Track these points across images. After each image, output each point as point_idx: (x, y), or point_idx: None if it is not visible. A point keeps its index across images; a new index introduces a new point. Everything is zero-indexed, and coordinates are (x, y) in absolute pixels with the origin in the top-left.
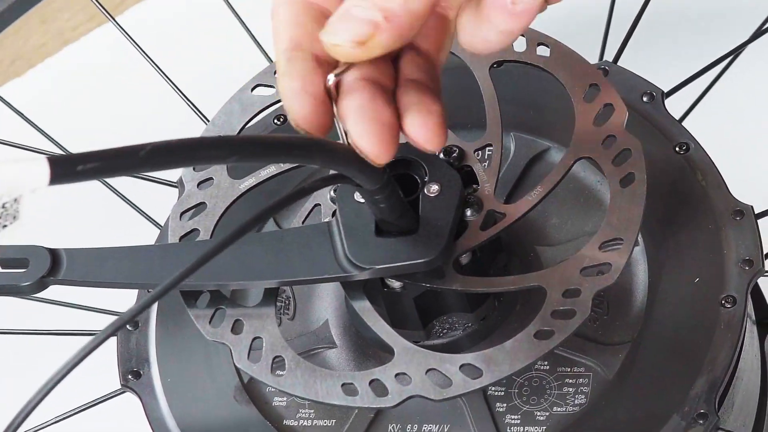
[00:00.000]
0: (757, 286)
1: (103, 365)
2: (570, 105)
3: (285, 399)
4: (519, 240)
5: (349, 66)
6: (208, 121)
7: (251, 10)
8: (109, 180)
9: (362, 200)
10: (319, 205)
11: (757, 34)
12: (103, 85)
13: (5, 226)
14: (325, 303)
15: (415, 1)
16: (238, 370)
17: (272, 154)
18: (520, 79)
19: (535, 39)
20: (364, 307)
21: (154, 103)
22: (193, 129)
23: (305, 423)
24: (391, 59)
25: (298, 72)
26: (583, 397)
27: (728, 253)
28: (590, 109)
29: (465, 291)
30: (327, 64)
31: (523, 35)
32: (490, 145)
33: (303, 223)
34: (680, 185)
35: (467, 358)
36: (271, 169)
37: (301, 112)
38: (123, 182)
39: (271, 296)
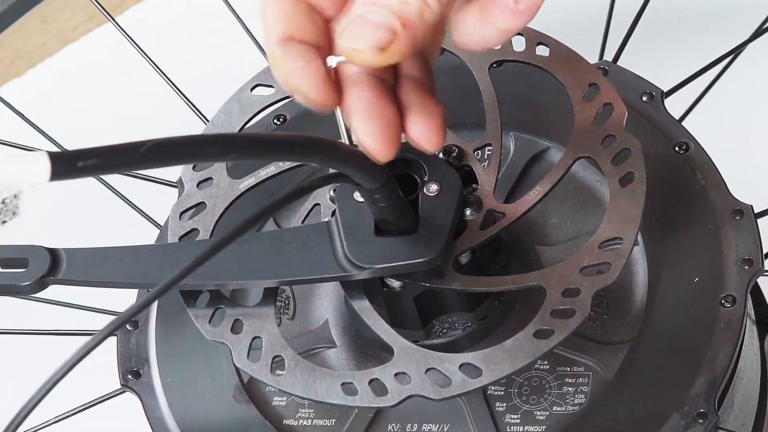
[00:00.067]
0: (756, 285)
1: (102, 365)
2: (569, 104)
3: (285, 398)
4: (519, 240)
5: None
6: (208, 121)
7: (251, 10)
8: (108, 180)
9: (362, 200)
10: (319, 204)
11: (757, 34)
12: (103, 85)
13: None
14: (325, 303)
15: (429, 11)
16: (237, 369)
17: (272, 152)
18: (519, 78)
19: (535, 39)
20: (363, 307)
21: (154, 103)
22: (192, 129)
23: (305, 422)
24: None
25: (298, 54)
26: (582, 396)
27: (728, 253)
28: (589, 109)
29: (465, 290)
30: (322, 51)
31: (522, 35)
32: (490, 144)
33: (302, 222)
34: (680, 185)
35: (467, 357)
36: (271, 169)
37: (310, 86)
38: (123, 182)
39: (270, 296)
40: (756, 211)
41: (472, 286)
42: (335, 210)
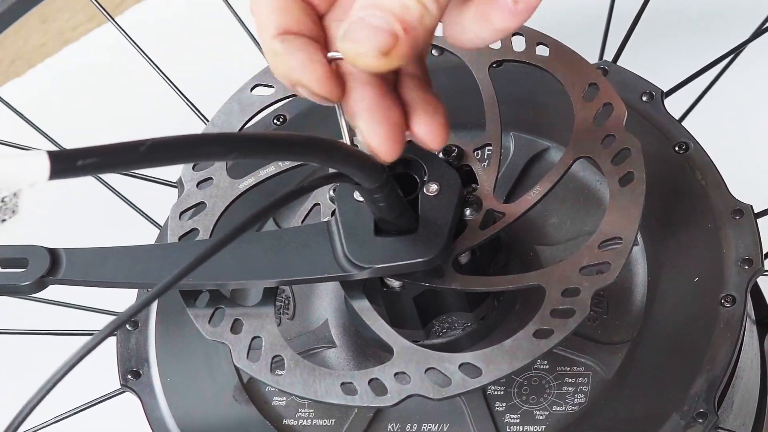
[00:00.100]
0: (756, 285)
1: (102, 365)
2: (569, 104)
3: (284, 398)
4: (518, 239)
5: None
6: (208, 121)
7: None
8: (108, 180)
9: (361, 199)
10: (319, 204)
11: (757, 34)
12: (103, 85)
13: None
14: (325, 303)
15: (429, 16)
16: (237, 369)
17: (271, 152)
18: (519, 78)
19: (535, 38)
20: (363, 307)
21: (154, 103)
22: (192, 129)
23: (305, 422)
24: None
25: (299, 47)
26: (582, 396)
27: (728, 253)
28: (589, 109)
29: (464, 290)
30: (321, 45)
31: (522, 34)
32: (490, 144)
33: (302, 222)
34: (680, 185)
35: (466, 357)
36: (271, 169)
37: (314, 79)
38: (122, 182)
39: (270, 296)
40: (756, 211)
41: (471, 286)
42: (335, 210)
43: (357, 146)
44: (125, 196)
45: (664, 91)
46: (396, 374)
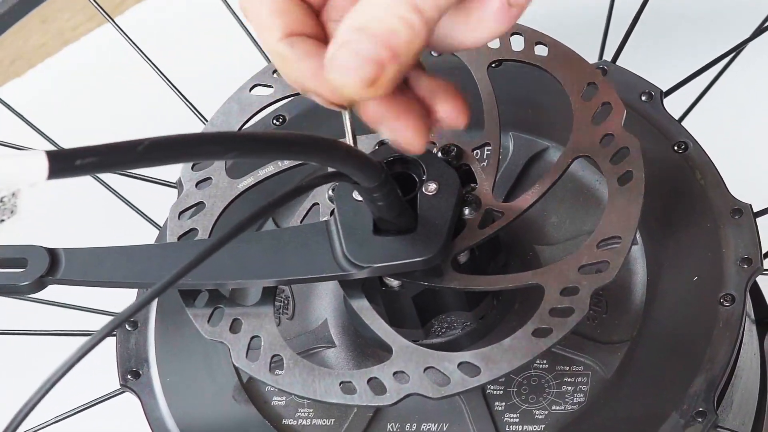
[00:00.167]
0: (756, 285)
1: (102, 365)
2: (568, 104)
3: (284, 398)
4: (518, 239)
5: None
6: (207, 121)
7: None
8: (107, 180)
9: (360, 199)
10: (318, 204)
11: (757, 34)
12: (103, 85)
13: (3, 220)
14: (324, 302)
15: (417, 39)
16: (237, 369)
17: (270, 151)
18: (518, 78)
19: (534, 38)
20: (362, 306)
21: (154, 104)
22: (192, 129)
23: (304, 422)
24: None
25: (308, 52)
26: (582, 395)
27: (727, 252)
28: (588, 108)
29: (463, 289)
30: (326, 43)
31: (521, 34)
32: (488, 144)
33: (301, 222)
34: (679, 184)
35: (465, 356)
36: (270, 169)
37: (329, 87)
38: (122, 183)
39: (269, 295)
40: (755, 210)
41: (470, 285)
42: (334, 209)
43: (358, 146)
44: (124, 196)
45: (663, 90)
46: (395, 373)
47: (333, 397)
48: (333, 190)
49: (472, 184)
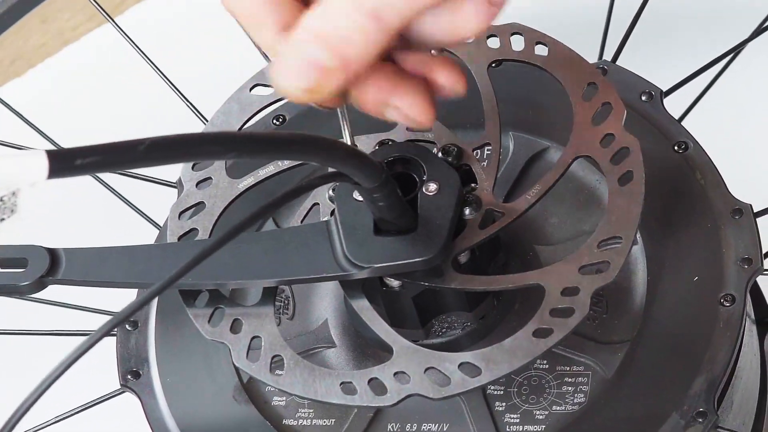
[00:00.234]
0: (756, 285)
1: (102, 365)
2: (568, 104)
3: (284, 398)
4: (518, 239)
5: None
6: (207, 120)
7: None
8: (107, 180)
9: (361, 199)
10: (318, 204)
11: (757, 33)
12: (103, 85)
13: (3, 219)
14: (325, 302)
15: (371, 50)
16: (237, 369)
17: (271, 151)
18: (518, 78)
19: (534, 38)
20: (363, 306)
21: (154, 104)
22: (192, 129)
23: (304, 422)
24: None
25: None
26: (582, 396)
27: (727, 252)
28: (588, 108)
29: (464, 290)
30: None
31: (521, 34)
32: (489, 144)
33: (302, 222)
34: (679, 184)
35: (466, 356)
36: (270, 169)
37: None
38: (122, 183)
39: (269, 295)
40: (755, 211)
41: (471, 286)
42: (334, 209)
43: (357, 146)
44: (124, 196)
45: (664, 90)
46: (395, 374)
47: (334, 397)
48: (333, 190)
49: (473, 184)
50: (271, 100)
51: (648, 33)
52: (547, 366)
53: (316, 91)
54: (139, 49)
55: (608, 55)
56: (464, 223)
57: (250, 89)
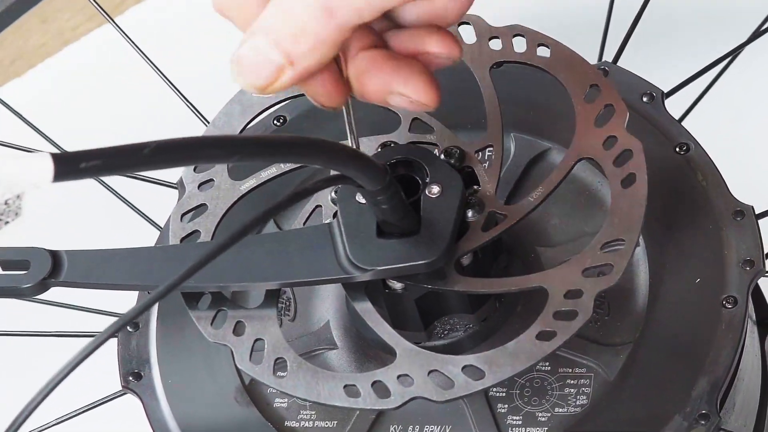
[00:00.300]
0: (757, 286)
1: (103, 367)
2: (570, 105)
3: (286, 400)
4: (520, 241)
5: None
6: (207, 120)
7: None
8: (108, 181)
9: (363, 201)
10: (320, 206)
11: (757, 35)
12: (103, 85)
13: (7, 222)
14: (326, 304)
15: (323, 48)
16: (238, 371)
17: (275, 154)
18: (519, 79)
19: (536, 40)
20: (365, 309)
21: (154, 104)
22: (193, 129)
23: (306, 424)
24: None
25: None
26: (584, 397)
27: (729, 254)
28: (591, 110)
29: (467, 292)
30: None
31: (523, 36)
32: (491, 145)
33: (304, 224)
34: (681, 185)
35: (469, 359)
36: (272, 171)
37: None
38: (122, 183)
39: (272, 298)
40: (757, 212)
41: (474, 288)
42: (337, 211)
43: (360, 149)
44: (125, 197)
45: (665, 91)
46: (399, 376)
47: (337, 400)
48: (336, 192)
49: (475, 186)
50: (273, 102)
51: (648, 33)
52: (549, 368)
53: (270, 88)
54: (139, 49)
55: (608, 56)
56: (467, 226)
57: None
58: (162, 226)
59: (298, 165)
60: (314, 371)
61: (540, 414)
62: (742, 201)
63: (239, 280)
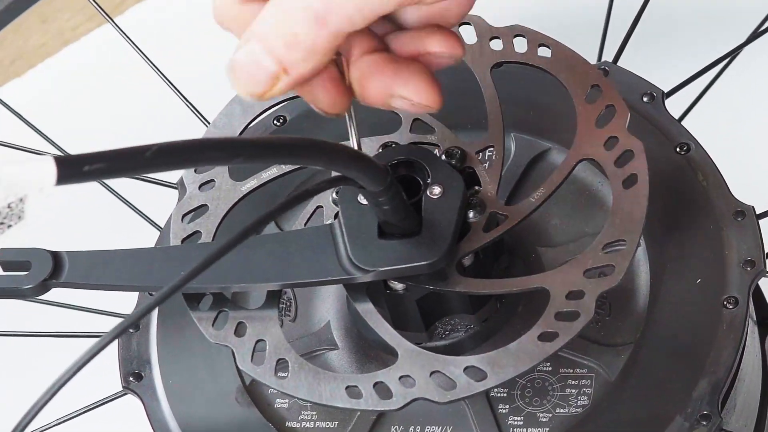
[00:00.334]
0: (757, 286)
1: (104, 367)
2: (570, 105)
3: (287, 401)
4: (520, 241)
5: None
6: (207, 121)
7: None
8: (108, 180)
9: (365, 202)
10: (321, 207)
11: (758, 35)
12: (103, 85)
13: (10, 226)
14: (327, 304)
15: (316, 56)
16: (239, 371)
17: (277, 156)
18: (518, 78)
19: (537, 40)
20: (367, 309)
21: (154, 104)
22: (193, 129)
23: (307, 425)
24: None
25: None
26: (585, 398)
27: (730, 254)
28: (592, 111)
29: (468, 293)
30: None
31: (524, 36)
32: (492, 146)
33: (305, 224)
34: (681, 186)
35: (471, 360)
36: (273, 171)
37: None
38: (122, 183)
39: (273, 299)
40: (758, 212)
41: (476, 289)
42: (338, 212)
43: (362, 150)
44: (124, 196)
45: (665, 91)
46: (401, 377)
47: (339, 401)
48: (337, 192)
49: (476, 187)
50: (274, 102)
51: (648, 33)
52: (550, 368)
53: (267, 94)
54: (139, 49)
55: (607, 55)
56: (468, 226)
57: None
58: (162, 226)
59: (299, 166)
60: (316, 372)
61: (541, 414)
62: (743, 201)
63: (241, 281)
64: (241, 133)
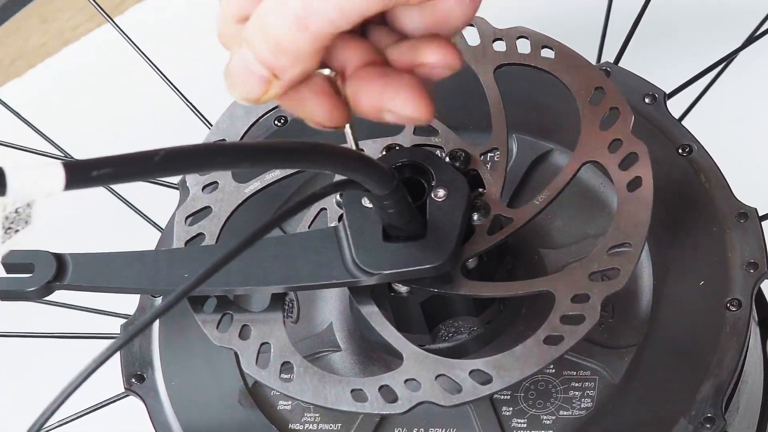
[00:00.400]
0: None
1: (106, 368)
2: (572, 106)
3: (290, 403)
4: (524, 243)
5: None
6: (207, 121)
7: None
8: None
9: (369, 205)
10: (325, 209)
11: (758, 35)
12: (103, 85)
13: (18, 230)
14: (330, 306)
15: (303, 61)
16: (242, 373)
17: (283, 160)
18: (520, 79)
19: (540, 42)
20: (371, 312)
21: (154, 104)
22: (193, 129)
23: (310, 427)
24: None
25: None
26: (589, 400)
27: (733, 256)
28: (596, 113)
29: (473, 296)
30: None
31: (527, 38)
32: (496, 148)
33: (309, 227)
34: (684, 187)
35: (477, 363)
36: (276, 173)
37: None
38: (123, 183)
39: (278, 301)
40: (761, 214)
41: (480, 292)
42: (342, 215)
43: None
44: (125, 197)
45: (667, 92)
46: (406, 381)
47: (344, 404)
48: (341, 195)
49: (480, 189)
50: (276, 103)
51: (648, 34)
52: (553, 371)
53: (262, 99)
54: (139, 49)
55: (608, 57)
56: (473, 229)
57: None
58: (163, 227)
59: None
60: (321, 375)
61: (545, 417)
62: (746, 203)
63: (245, 283)
64: (244, 134)
